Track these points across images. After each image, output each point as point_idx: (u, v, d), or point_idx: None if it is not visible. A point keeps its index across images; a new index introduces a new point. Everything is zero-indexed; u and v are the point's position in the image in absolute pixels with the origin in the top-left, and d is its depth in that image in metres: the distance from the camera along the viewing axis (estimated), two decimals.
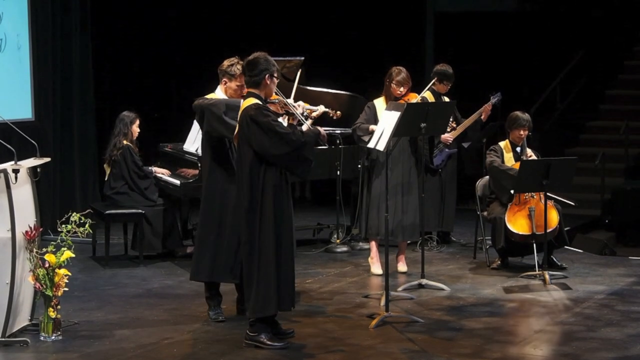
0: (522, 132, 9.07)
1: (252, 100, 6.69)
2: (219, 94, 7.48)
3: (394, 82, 8.70)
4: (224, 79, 7.43)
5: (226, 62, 7.42)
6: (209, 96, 7.45)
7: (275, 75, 6.77)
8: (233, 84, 7.35)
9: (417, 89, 9.28)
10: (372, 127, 8.58)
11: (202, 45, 13.32)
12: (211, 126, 7.22)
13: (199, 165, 9.19)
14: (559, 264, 9.13)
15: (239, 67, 7.22)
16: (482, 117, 9.89)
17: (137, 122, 9.57)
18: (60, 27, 11.32)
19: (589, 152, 12.36)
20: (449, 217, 10.17)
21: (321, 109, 7.25)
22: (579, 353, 6.65)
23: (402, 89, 8.70)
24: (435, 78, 9.78)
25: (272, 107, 6.82)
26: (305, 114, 7.03)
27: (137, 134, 9.59)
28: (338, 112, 7.87)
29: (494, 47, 14.44)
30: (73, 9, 11.48)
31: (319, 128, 6.87)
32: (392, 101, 8.39)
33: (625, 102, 13.49)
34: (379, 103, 8.81)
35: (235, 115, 6.91)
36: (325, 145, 7.19)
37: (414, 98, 8.73)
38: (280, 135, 6.57)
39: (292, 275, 6.83)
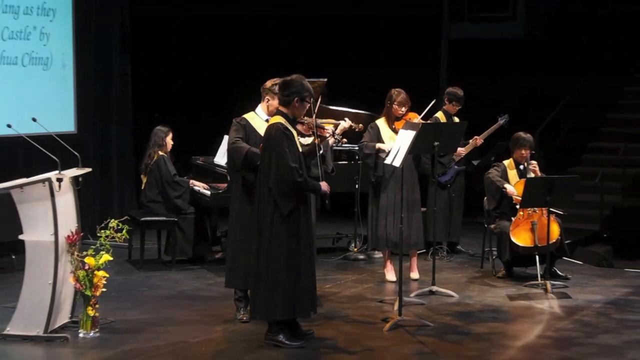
0: (523, 152, 9.08)
1: (279, 119, 6.70)
2: (259, 112, 7.43)
3: (395, 103, 8.74)
4: (267, 97, 7.35)
5: (269, 82, 7.35)
6: (247, 116, 7.43)
7: (307, 99, 6.71)
8: (275, 102, 7.17)
9: (432, 110, 9.35)
10: (378, 145, 8.64)
11: (230, 66, 13.40)
12: (232, 165, 7.36)
13: (228, 177, 9.23)
14: (563, 274, 9.11)
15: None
16: (477, 142, 9.90)
17: (171, 134, 9.62)
18: (102, 47, 11.41)
19: (590, 171, 12.34)
20: (456, 228, 10.19)
21: (345, 123, 7.30)
22: (578, 358, 6.65)
23: (403, 109, 8.74)
24: (446, 98, 9.84)
25: (300, 127, 6.84)
26: (335, 138, 7.07)
27: (171, 146, 9.64)
28: (360, 125, 7.92)
29: (504, 70, 14.44)
30: (114, 31, 11.58)
31: (324, 185, 6.74)
32: (408, 121, 8.43)
33: (624, 126, 13.46)
34: (381, 123, 8.86)
35: (248, 167, 7.03)
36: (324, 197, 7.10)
37: (415, 117, 8.76)
38: (285, 163, 6.51)
39: (310, 283, 6.79)
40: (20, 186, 6.86)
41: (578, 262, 10.01)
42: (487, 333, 7.26)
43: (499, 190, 9.04)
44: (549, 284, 8.51)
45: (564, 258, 9.38)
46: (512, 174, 9.13)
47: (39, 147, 7.39)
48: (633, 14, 14.27)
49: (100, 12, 11.35)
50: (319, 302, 7.89)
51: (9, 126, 7.41)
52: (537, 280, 8.62)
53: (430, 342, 6.95)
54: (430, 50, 14.69)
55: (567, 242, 9.21)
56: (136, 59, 12.06)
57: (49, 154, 7.20)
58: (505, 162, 9.24)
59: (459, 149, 9.68)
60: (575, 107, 13.78)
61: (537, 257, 8.68)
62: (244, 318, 7.39)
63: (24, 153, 9.76)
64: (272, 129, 6.66)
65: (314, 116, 6.93)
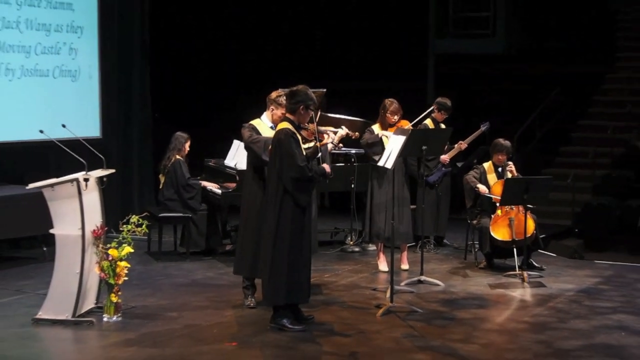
0: (500, 157, 9.11)
1: (286, 125, 6.71)
2: (264, 119, 7.41)
3: (388, 112, 8.75)
4: (272, 107, 7.33)
5: (274, 93, 7.33)
6: (254, 122, 7.41)
7: (311, 107, 6.75)
8: (279, 112, 7.21)
9: (423, 119, 9.38)
10: (381, 133, 8.64)
11: (236, 78, 13.41)
12: (253, 159, 7.25)
13: (237, 177, 9.23)
14: (539, 266, 9.11)
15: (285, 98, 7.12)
16: (462, 146, 9.88)
17: (189, 142, 9.61)
18: (124, 60, 11.40)
19: (562, 172, 12.32)
20: (443, 224, 10.17)
21: (342, 131, 7.27)
22: (552, 340, 6.64)
23: (395, 117, 8.75)
24: (435, 107, 9.82)
25: (304, 133, 6.85)
26: (332, 143, 7.04)
27: (187, 151, 9.64)
28: (356, 133, 7.89)
29: (485, 82, 14.44)
30: (135, 46, 11.57)
31: (326, 166, 6.80)
32: (400, 127, 8.43)
33: (593, 131, 13.45)
34: (376, 128, 8.86)
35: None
36: (330, 177, 7.06)
37: (406, 124, 8.75)
38: (296, 162, 6.55)
39: (307, 274, 6.81)
40: (51, 185, 6.87)
41: (552, 254, 10.00)
42: (470, 318, 7.25)
43: (473, 190, 9.08)
44: (525, 274, 8.50)
45: (539, 251, 9.38)
46: (492, 176, 9.16)
47: (68, 150, 7.39)
48: (595, 30, 14.33)
49: (122, 29, 11.34)
50: (318, 289, 7.91)
51: (41, 132, 7.42)
52: (515, 270, 8.61)
53: (419, 327, 6.95)
54: (418, 63, 14.70)
55: (541, 236, 9.21)
56: (154, 70, 12.05)
57: (77, 157, 7.20)
58: (485, 164, 9.26)
59: (443, 157, 9.70)
60: (548, 115, 13.79)
61: (514, 249, 8.68)
62: (251, 304, 7.39)
63: (55, 156, 9.74)
64: (281, 133, 6.67)
65: (315, 123, 6.93)
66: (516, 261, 8.64)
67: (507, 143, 9.15)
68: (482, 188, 9.05)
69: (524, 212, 8.63)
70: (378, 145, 8.65)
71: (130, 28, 11.51)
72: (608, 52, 14.33)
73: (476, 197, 9.16)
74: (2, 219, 8.84)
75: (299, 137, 6.72)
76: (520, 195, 8.48)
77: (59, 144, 7.52)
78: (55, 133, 7.64)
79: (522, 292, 8.20)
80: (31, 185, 7.01)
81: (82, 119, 10.52)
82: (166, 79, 12.78)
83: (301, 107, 6.71)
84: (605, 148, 12.75)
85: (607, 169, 12.55)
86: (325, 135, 7.10)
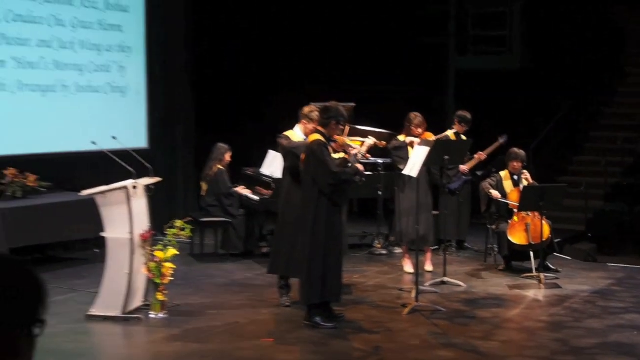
0: (515, 164, 9.03)
1: (317, 136, 6.72)
2: (297, 131, 7.44)
3: (412, 125, 8.72)
4: (304, 121, 7.35)
5: (307, 109, 7.36)
6: (287, 133, 7.42)
7: (342, 123, 6.79)
8: (310, 126, 7.23)
9: (440, 130, 9.29)
10: (409, 139, 8.58)
11: (269, 93, 13.39)
12: (292, 164, 7.23)
13: (273, 185, 9.21)
14: (554, 268, 9.00)
15: (317, 113, 7.14)
16: (481, 157, 9.79)
17: (230, 153, 9.63)
18: (169, 78, 11.45)
19: (576, 180, 12.17)
20: (464, 228, 10.11)
21: (370, 140, 7.24)
22: (568, 339, 6.55)
23: (420, 129, 8.70)
24: (456, 120, 9.76)
25: (334, 145, 6.86)
26: (360, 154, 7.01)
27: (228, 161, 9.65)
28: (383, 142, 7.86)
29: (503, 96, 14.31)
30: (179, 65, 11.63)
31: (359, 166, 6.80)
32: (424, 139, 8.38)
33: (604, 142, 13.28)
34: (402, 139, 8.82)
35: None
36: (364, 179, 7.01)
37: (430, 137, 8.70)
38: (330, 169, 6.56)
39: (339, 275, 6.78)
40: (103, 192, 6.90)
41: (567, 257, 9.87)
42: (490, 317, 7.18)
43: (486, 195, 9.04)
44: (542, 276, 8.40)
45: (555, 254, 9.26)
46: (508, 184, 9.08)
47: (118, 160, 7.43)
48: (606, 45, 14.16)
49: (167, 48, 11.39)
50: (348, 290, 7.87)
51: (93, 143, 7.47)
52: (532, 272, 8.51)
53: (442, 325, 6.90)
54: (440, 79, 14.62)
55: (557, 240, 9.11)
56: (195, 85, 12.07)
57: (126, 166, 7.23)
58: (502, 173, 9.19)
59: (462, 167, 9.65)
60: (562, 127, 13.64)
61: (531, 253, 8.58)
62: (287, 303, 7.36)
63: (106, 165, 9.77)
64: (314, 144, 6.69)
65: (343, 136, 6.93)
66: (533, 264, 8.54)
67: (522, 152, 9.08)
68: (494, 193, 8.97)
69: (539, 217, 8.53)
70: (403, 150, 8.61)
71: (175, 48, 11.56)
72: (617, 66, 14.15)
73: (489, 201, 9.10)
74: (57, 224, 8.91)
75: (330, 149, 6.73)
76: (537, 202, 8.38)
77: (110, 154, 7.56)
78: (106, 144, 7.68)
79: (539, 293, 8.11)
80: (84, 192, 7.05)
81: (131, 131, 10.55)
82: (207, 93, 12.80)
83: (333, 122, 6.73)
84: (616, 158, 12.58)
85: (618, 178, 12.39)
86: (351, 149, 7.10)
